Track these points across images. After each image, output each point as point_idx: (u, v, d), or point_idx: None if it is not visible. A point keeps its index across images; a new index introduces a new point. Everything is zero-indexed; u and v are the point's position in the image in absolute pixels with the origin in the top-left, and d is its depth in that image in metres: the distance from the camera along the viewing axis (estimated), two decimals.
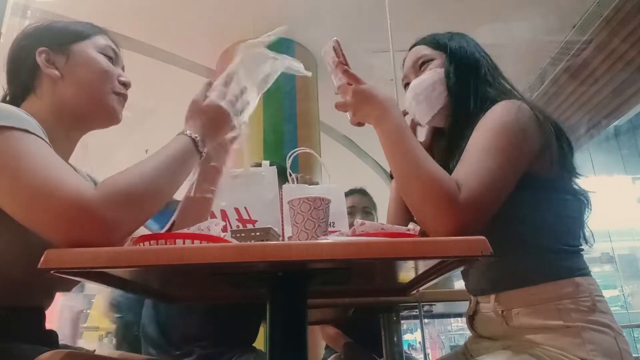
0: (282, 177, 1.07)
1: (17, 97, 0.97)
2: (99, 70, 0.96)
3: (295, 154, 1.10)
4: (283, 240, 0.95)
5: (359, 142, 5.77)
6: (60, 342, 0.99)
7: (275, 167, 1.05)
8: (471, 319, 1.06)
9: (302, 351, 0.75)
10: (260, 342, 1.62)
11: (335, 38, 0.96)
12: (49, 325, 0.97)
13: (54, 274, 0.64)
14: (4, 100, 0.99)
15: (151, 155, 0.81)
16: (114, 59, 1.00)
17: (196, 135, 0.86)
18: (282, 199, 1.03)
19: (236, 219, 0.98)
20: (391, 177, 1.16)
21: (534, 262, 0.92)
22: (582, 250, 0.96)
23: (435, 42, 1.11)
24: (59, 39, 0.96)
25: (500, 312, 0.94)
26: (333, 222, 1.02)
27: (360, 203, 2.23)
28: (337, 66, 0.97)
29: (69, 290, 1.01)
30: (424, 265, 0.81)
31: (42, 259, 0.62)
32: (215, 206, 0.99)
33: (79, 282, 0.99)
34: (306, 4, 3.58)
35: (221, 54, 4.07)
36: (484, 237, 0.64)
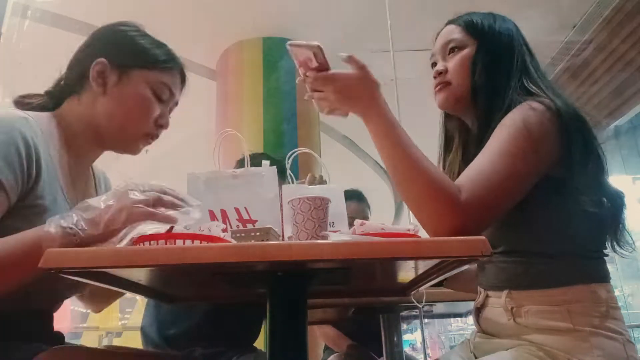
0: (280, 174, 1.07)
1: (68, 87, 0.97)
2: (140, 108, 0.95)
3: (295, 154, 1.09)
4: (283, 240, 0.95)
5: (359, 142, 5.77)
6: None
7: (275, 167, 1.05)
8: (478, 312, 1.03)
9: (302, 351, 0.75)
10: (260, 342, 1.62)
11: (317, 43, 0.88)
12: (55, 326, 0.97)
13: (60, 275, 0.64)
14: (58, 83, 0.99)
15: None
16: (165, 99, 0.99)
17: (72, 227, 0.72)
18: (282, 199, 1.03)
19: (236, 219, 0.98)
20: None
21: (552, 266, 0.91)
22: (605, 256, 0.95)
23: (471, 25, 1.03)
24: (123, 57, 0.96)
25: (509, 308, 0.92)
26: (333, 222, 1.02)
27: (358, 212, 2.21)
28: (310, 72, 0.91)
29: (80, 293, 1.01)
30: (424, 265, 0.81)
31: (42, 259, 0.62)
32: (215, 206, 0.99)
33: (87, 285, 0.99)
34: (306, 4, 3.58)
35: (221, 54, 4.07)
36: (484, 237, 0.64)
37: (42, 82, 1.02)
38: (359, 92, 0.89)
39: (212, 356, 1.41)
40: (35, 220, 0.79)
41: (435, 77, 1.06)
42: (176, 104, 1.04)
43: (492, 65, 0.99)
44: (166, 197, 0.76)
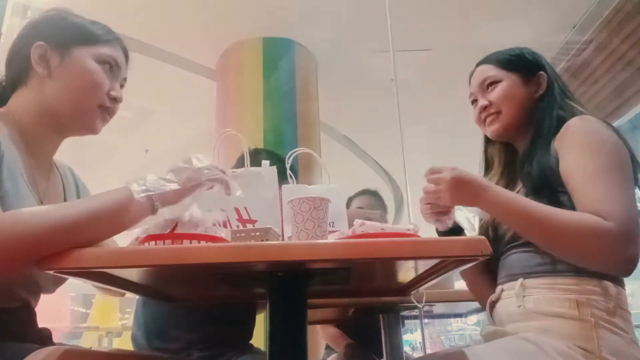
0: (281, 174, 1.07)
1: (9, 84, 0.95)
2: (89, 81, 0.93)
3: (295, 154, 1.10)
4: (283, 240, 0.95)
5: (359, 142, 5.77)
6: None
7: (275, 167, 1.05)
8: (492, 306, 1.07)
9: (302, 351, 0.75)
10: (260, 342, 1.62)
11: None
12: (48, 325, 0.96)
13: (54, 274, 0.64)
14: (0, 84, 0.97)
15: (89, 197, 0.78)
16: (114, 69, 0.97)
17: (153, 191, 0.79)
18: (282, 199, 1.03)
19: (236, 219, 0.98)
20: None
21: None
22: None
23: (502, 61, 1.14)
24: (61, 37, 0.94)
25: (521, 296, 0.96)
26: (333, 222, 1.02)
27: (367, 204, 2.22)
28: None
29: (53, 292, 1.00)
30: (424, 265, 0.81)
31: (42, 260, 0.62)
32: (214, 206, 0.99)
33: (64, 280, 0.97)
34: (306, 4, 3.58)
35: (221, 54, 4.07)
36: (483, 237, 0.64)
37: None
38: (465, 188, 0.94)
39: (210, 358, 1.41)
40: None
41: (480, 113, 1.15)
42: (124, 79, 1.02)
43: (536, 89, 1.11)
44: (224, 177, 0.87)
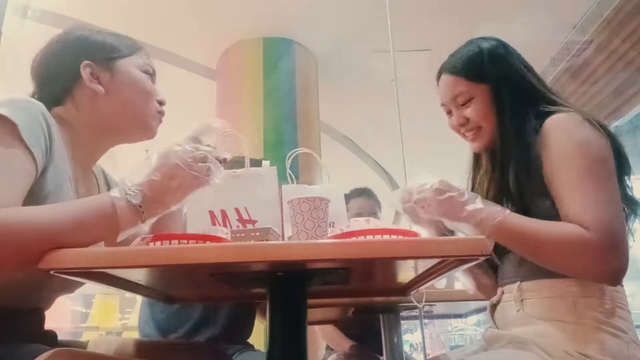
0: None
1: (47, 102, 0.92)
2: (143, 91, 0.98)
3: (295, 154, 1.10)
4: (283, 240, 0.95)
5: (359, 142, 5.77)
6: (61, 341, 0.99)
7: (275, 167, 1.05)
8: (493, 308, 1.07)
9: (302, 351, 0.75)
10: (260, 342, 1.62)
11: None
12: (49, 324, 0.97)
13: (55, 274, 0.64)
14: (32, 97, 0.96)
15: (69, 203, 0.78)
16: (152, 75, 1.01)
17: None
18: (282, 199, 1.03)
19: (236, 219, 0.98)
20: None
21: None
22: None
23: (471, 73, 1.07)
24: (102, 53, 0.96)
25: (520, 300, 0.96)
26: (333, 222, 1.02)
27: (366, 208, 2.21)
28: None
29: (72, 292, 1.00)
30: (424, 265, 0.81)
31: (42, 259, 0.62)
32: (215, 206, 0.99)
33: (81, 284, 0.98)
34: (306, 4, 3.58)
35: (221, 54, 4.07)
36: (483, 237, 0.64)
37: None
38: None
39: (211, 355, 1.41)
40: (37, 204, 0.78)
41: (458, 127, 1.10)
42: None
43: (510, 97, 1.04)
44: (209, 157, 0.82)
